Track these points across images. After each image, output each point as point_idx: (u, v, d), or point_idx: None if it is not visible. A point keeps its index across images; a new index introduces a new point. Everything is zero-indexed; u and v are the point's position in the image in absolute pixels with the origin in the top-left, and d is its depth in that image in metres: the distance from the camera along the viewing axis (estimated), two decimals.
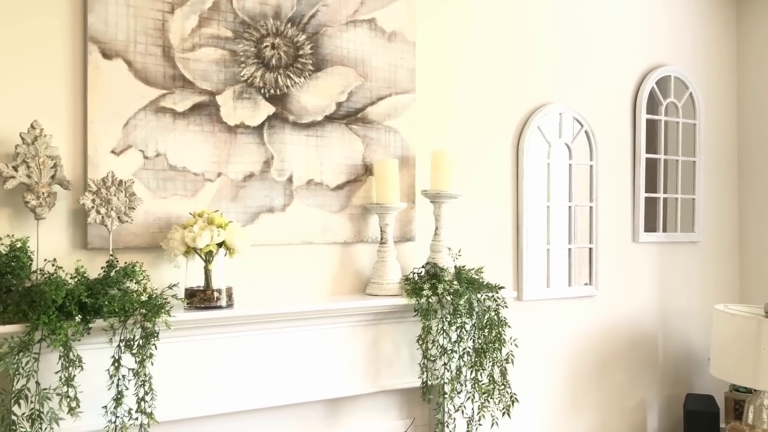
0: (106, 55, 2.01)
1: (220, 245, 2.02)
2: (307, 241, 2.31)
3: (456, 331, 2.30)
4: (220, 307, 2.01)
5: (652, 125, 3.15)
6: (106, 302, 1.77)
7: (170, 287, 1.94)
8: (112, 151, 2.02)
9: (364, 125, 2.42)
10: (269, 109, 2.26)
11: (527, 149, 2.78)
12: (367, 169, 2.43)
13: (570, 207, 2.92)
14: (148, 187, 2.07)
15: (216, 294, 2.01)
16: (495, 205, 2.75)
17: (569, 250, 2.92)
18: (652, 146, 3.15)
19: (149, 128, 2.07)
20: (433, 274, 2.37)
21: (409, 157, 2.51)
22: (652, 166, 3.16)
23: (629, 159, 3.11)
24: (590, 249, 2.97)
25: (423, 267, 2.42)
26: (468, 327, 2.33)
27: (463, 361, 2.31)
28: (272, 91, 2.26)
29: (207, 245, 1.98)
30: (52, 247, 1.95)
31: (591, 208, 2.97)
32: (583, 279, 2.97)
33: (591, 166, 2.97)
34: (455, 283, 2.33)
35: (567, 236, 2.92)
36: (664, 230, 3.20)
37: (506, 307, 2.40)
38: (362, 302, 2.22)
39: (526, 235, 2.78)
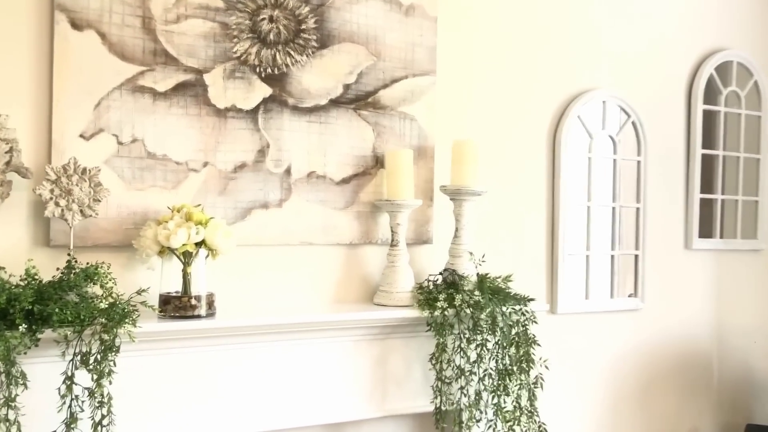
0: (76, 25, 1.76)
1: (199, 245, 1.74)
2: (307, 242, 2.03)
3: (476, 349, 1.99)
4: (198, 317, 1.74)
5: (709, 117, 2.78)
6: (57, 309, 1.51)
7: (139, 292, 1.67)
8: (81, 135, 1.77)
9: (375, 111, 2.13)
10: (265, 90, 1.98)
11: (565, 141, 2.45)
12: (378, 161, 2.13)
13: (614, 208, 2.57)
14: (122, 176, 1.81)
15: (194, 301, 1.73)
16: (526, 205, 2.42)
17: (612, 257, 2.57)
18: (709, 141, 2.78)
19: (125, 110, 1.81)
20: (451, 282, 2.06)
21: (426, 147, 2.20)
22: (708, 163, 2.78)
23: (682, 155, 2.74)
24: (636, 256, 2.62)
25: (440, 274, 2.11)
26: (490, 345, 2.01)
27: (483, 384, 1.99)
28: (269, 70, 1.98)
29: (183, 245, 1.71)
30: (10, 244, 1.70)
31: (638, 209, 2.62)
32: (627, 290, 2.62)
33: (638, 162, 2.62)
34: (476, 293, 2.02)
35: (610, 241, 2.57)
36: (722, 236, 2.82)
37: (536, 322, 2.07)
38: (368, 314, 1.92)
39: (563, 240, 2.45)
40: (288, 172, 2.00)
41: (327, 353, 1.93)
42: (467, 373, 1.96)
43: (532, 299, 2.10)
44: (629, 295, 2.62)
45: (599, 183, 2.54)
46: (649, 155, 2.63)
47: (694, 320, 2.78)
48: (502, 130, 2.37)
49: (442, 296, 1.96)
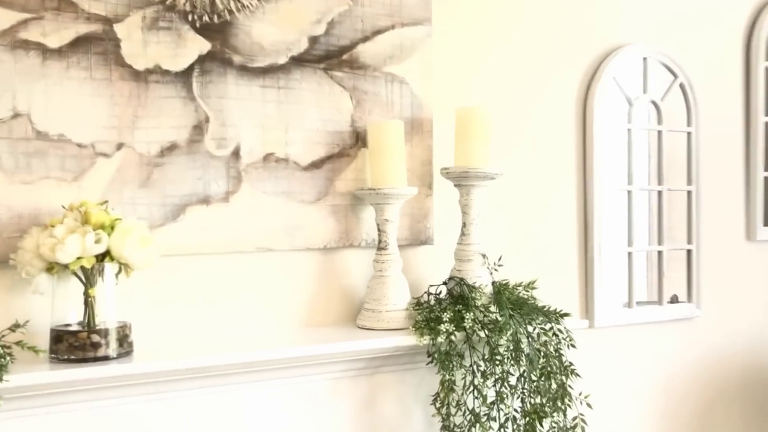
0: None
1: (103, 258, 1.24)
2: (265, 247, 1.52)
3: (494, 386, 1.48)
4: (103, 359, 1.23)
5: None
6: None
7: (14, 328, 1.17)
8: None
9: (353, 72, 1.61)
10: (201, 45, 1.47)
11: (598, 109, 1.93)
12: (359, 138, 1.62)
13: (660, 192, 2.06)
14: (0, 165, 1.31)
15: (96, 337, 1.23)
16: (552, 191, 1.91)
17: (659, 253, 2.05)
18: None
19: (1, 73, 1.31)
20: (458, 295, 1.55)
21: (422, 119, 1.69)
22: None
23: (741, 124, 2.22)
24: (688, 251, 2.10)
25: (444, 284, 1.61)
26: (513, 379, 1.50)
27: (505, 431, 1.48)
28: (206, 18, 1.48)
29: (78, 258, 1.20)
30: None
31: (689, 193, 2.10)
32: (678, 294, 2.10)
33: (689, 133, 2.10)
34: (493, 309, 1.51)
35: (656, 234, 2.06)
36: None
37: (573, 345, 1.56)
38: (344, 344, 1.41)
39: (598, 234, 1.93)
40: (236, 154, 1.50)
41: (294, 398, 1.42)
42: (483, 419, 1.45)
43: (565, 314, 1.59)
44: (681, 301, 2.10)
45: (641, 161, 2.03)
46: (701, 125, 2.11)
47: (761, 328, 2.26)
48: (519, 95, 1.85)
49: (446, 315, 1.46)
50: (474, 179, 1.57)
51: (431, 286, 1.61)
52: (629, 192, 2.00)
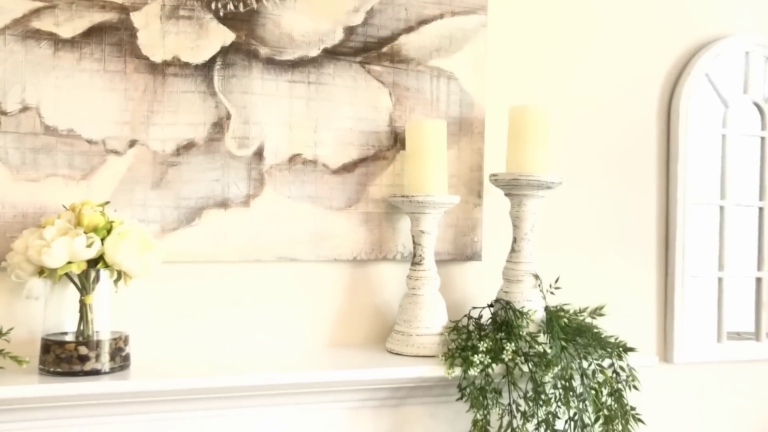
0: None
1: (96, 263, 1.14)
2: (288, 257, 1.38)
3: (537, 429, 1.27)
4: (93, 373, 1.13)
5: None
6: None
7: None
8: None
9: (393, 66, 1.45)
10: (225, 36, 1.35)
11: (686, 111, 1.67)
12: (398, 140, 1.45)
13: (761, 209, 1.76)
14: (6, 161, 1.24)
15: (84, 350, 1.13)
16: (626, 204, 1.66)
17: (757, 280, 1.76)
18: None
19: (11, 64, 1.25)
20: (503, 321, 1.35)
21: (473, 120, 1.50)
22: None
23: None
24: None
25: (489, 306, 1.41)
26: (560, 423, 1.28)
27: None
28: (231, 6, 1.36)
29: (68, 263, 1.11)
30: None
31: None
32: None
33: None
34: (541, 338, 1.31)
35: (755, 257, 1.77)
36: None
37: (635, 387, 1.33)
38: (363, 371, 1.24)
39: (681, 255, 1.67)
40: (259, 155, 1.37)
41: (307, 427, 1.27)
42: None
43: (629, 348, 1.36)
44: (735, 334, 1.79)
45: (737, 173, 1.74)
46: None
47: None
48: (589, 94, 1.62)
49: (484, 344, 1.26)
50: (526, 188, 1.37)
51: (473, 308, 1.42)
52: (722, 207, 1.73)
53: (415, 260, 1.38)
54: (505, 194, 1.42)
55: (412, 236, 1.38)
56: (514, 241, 1.41)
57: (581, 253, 1.62)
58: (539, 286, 1.40)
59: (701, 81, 1.68)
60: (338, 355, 1.35)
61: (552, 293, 1.43)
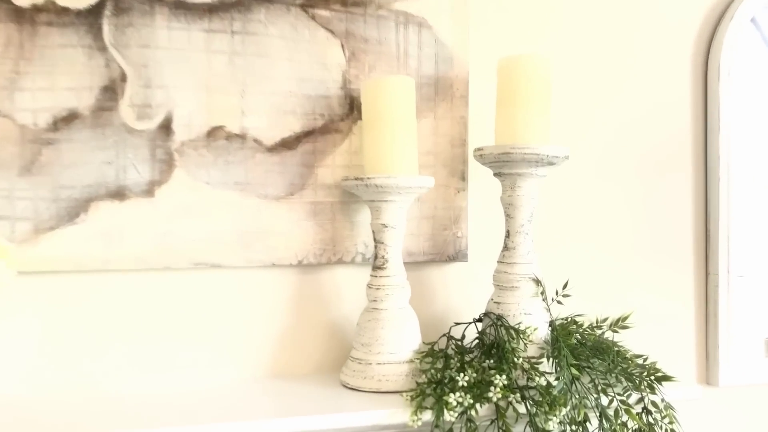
0: None
1: None
2: (209, 263, 1.05)
3: None
4: None
5: None
6: None
7: None
8: None
9: (346, 10, 1.11)
10: None
11: (727, 67, 1.32)
12: (355, 106, 1.12)
13: None
14: None
15: None
16: (653, 186, 1.32)
17: None
18: None
19: None
20: (492, 343, 1.01)
21: (453, 80, 1.16)
22: None
23: None
24: None
25: (477, 321, 1.07)
26: None
27: None
28: None
29: None
30: None
31: None
32: None
33: None
34: (544, 365, 0.97)
35: None
36: None
37: (673, 431, 0.98)
38: (295, 421, 0.91)
39: (725, 252, 1.32)
40: (166, 128, 1.04)
41: None
42: None
43: (665, 377, 1.01)
44: None
45: None
46: None
47: None
48: (603, 46, 1.27)
49: (464, 377, 0.92)
50: (521, 164, 1.02)
51: (455, 324, 1.08)
52: None
53: (376, 263, 1.04)
54: (495, 174, 1.07)
55: (373, 232, 1.05)
56: (507, 235, 1.07)
57: (597, 250, 1.27)
58: (542, 293, 1.05)
59: (746, 28, 1.33)
60: (276, 392, 1.01)
61: (559, 302, 1.09)
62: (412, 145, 1.05)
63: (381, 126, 1.02)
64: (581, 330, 1.12)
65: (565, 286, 1.09)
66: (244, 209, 1.06)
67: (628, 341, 1.15)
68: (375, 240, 1.04)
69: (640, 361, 1.08)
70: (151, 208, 1.03)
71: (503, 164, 1.04)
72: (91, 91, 1.01)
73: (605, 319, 1.16)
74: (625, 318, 1.15)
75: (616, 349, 1.11)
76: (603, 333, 1.15)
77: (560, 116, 1.20)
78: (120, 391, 0.99)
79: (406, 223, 1.05)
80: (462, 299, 1.17)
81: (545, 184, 1.18)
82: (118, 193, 1.02)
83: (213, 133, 1.05)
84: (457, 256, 1.17)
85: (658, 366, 1.06)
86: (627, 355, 1.11)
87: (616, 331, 1.15)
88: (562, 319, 1.13)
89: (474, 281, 1.16)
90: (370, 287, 1.03)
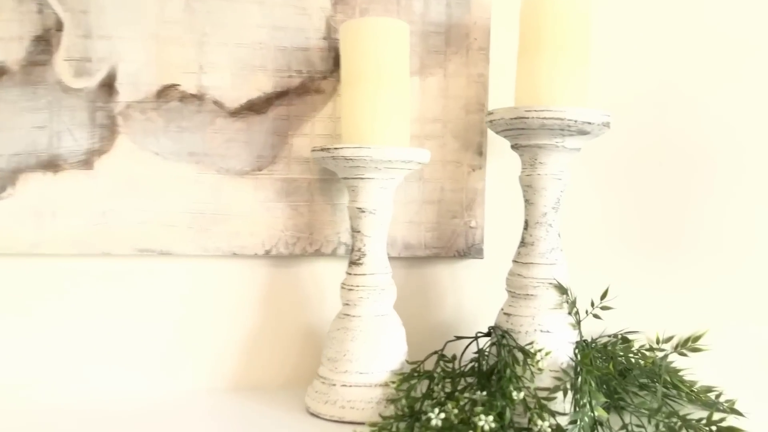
0: None
1: None
2: (159, 250, 0.87)
3: None
4: None
5: None
6: None
7: None
8: None
9: None
10: None
11: None
12: (337, 59, 0.90)
13: None
14: None
15: None
16: (733, 163, 1.01)
17: None
18: None
19: None
20: (492, 368, 0.77)
21: (468, 27, 0.92)
22: None
23: None
24: None
25: (480, 337, 0.83)
26: None
27: None
28: None
29: None
30: None
31: None
32: None
33: None
34: (558, 403, 0.72)
35: None
36: None
37: None
38: None
39: None
40: (109, 87, 0.86)
41: None
42: None
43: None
44: None
45: None
46: None
47: None
48: None
49: (438, 413, 0.69)
50: (540, 133, 0.77)
51: (455, 339, 0.84)
52: None
53: (353, 258, 0.82)
54: (512, 146, 0.82)
55: (350, 218, 0.83)
56: (526, 226, 0.82)
57: (656, 249, 0.99)
58: (568, 304, 0.80)
59: None
60: (225, 412, 0.82)
61: (596, 317, 0.83)
62: (402, 108, 0.82)
63: (361, 82, 0.80)
64: (629, 353, 0.86)
65: (604, 295, 0.83)
66: (200, 186, 0.88)
67: (698, 369, 0.88)
68: (351, 228, 0.82)
69: (713, 394, 0.82)
70: (90, 183, 0.86)
71: (519, 133, 0.79)
72: (20, 42, 0.85)
73: (669, 338, 0.88)
74: (698, 337, 0.87)
75: (677, 378, 0.85)
76: (665, 356, 0.88)
77: (609, 68, 0.93)
78: (40, 401, 0.84)
79: (392, 208, 0.82)
80: (475, 306, 0.93)
81: (582, 161, 0.92)
82: (51, 164, 0.86)
83: (164, 93, 0.87)
84: (470, 251, 0.93)
85: (737, 406, 0.79)
86: (694, 387, 0.85)
87: (684, 354, 0.87)
88: (608, 336, 0.87)
89: (491, 283, 0.92)
90: (343, 288, 0.82)
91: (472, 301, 0.94)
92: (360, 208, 0.80)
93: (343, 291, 0.82)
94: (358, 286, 0.80)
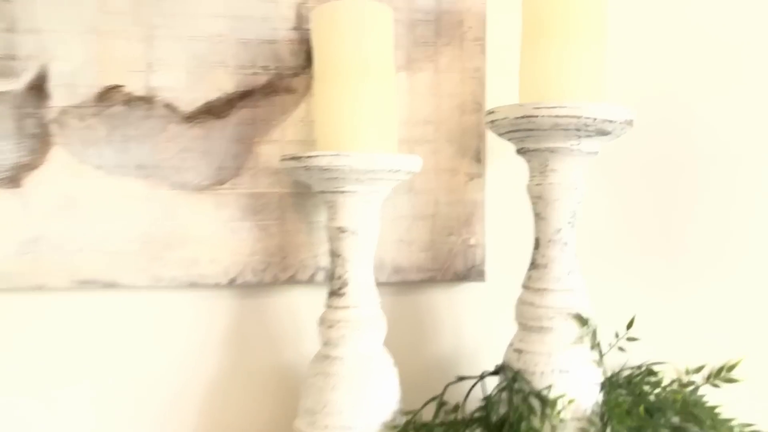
0: None
1: None
2: (102, 281, 0.73)
3: None
4: None
5: None
6: None
7: None
8: None
9: None
10: None
11: None
12: (310, 53, 0.77)
13: None
14: None
15: None
16: None
17: None
18: None
19: None
20: (502, 418, 0.64)
21: (462, 14, 0.79)
22: None
23: None
24: None
25: (486, 377, 0.70)
26: None
27: None
28: None
29: None
30: None
31: None
32: None
33: None
34: None
35: None
36: None
37: None
38: None
39: None
40: (38, 89, 0.73)
41: None
42: None
43: None
44: None
45: None
46: None
47: None
48: None
49: None
50: (552, 134, 0.64)
51: (457, 380, 0.71)
52: None
53: (332, 288, 0.69)
54: (518, 151, 0.70)
55: (328, 240, 0.70)
56: (537, 245, 0.69)
57: (685, 268, 0.87)
58: (590, 338, 0.67)
59: None
60: None
61: (621, 349, 0.70)
62: (388, 108, 0.69)
63: (338, 77, 0.67)
64: (657, 387, 0.73)
65: (630, 325, 0.71)
66: (151, 205, 0.74)
67: (735, 403, 0.75)
68: (330, 251, 0.69)
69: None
70: (17, 204, 0.72)
71: (526, 134, 0.66)
72: None
73: (699, 368, 0.76)
74: (732, 367, 0.75)
75: (717, 415, 0.72)
76: (696, 389, 0.75)
77: (628, 57, 0.80)
78: None
79: (378, 226, 0.69)
80: (478, 338, 0.80)
81: (599, 168, 0.79)
82: None
83: (107, 95, 0.74)
84: (470, 273, 0.80)
85: None
86: (733, 426, 0.72)
87: (717, 386, 0.75)
88: (631, 368, 0.75)
89: (495, 311, 0.79)
90: (321, 324, 0.69)
91: (473, 331, 0.81)
92: (340, 228, 0.67)
93: (321, 328, 0.68)
94: (339, 321, 0.67)
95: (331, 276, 0.69)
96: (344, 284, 0.68)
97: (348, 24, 0.67)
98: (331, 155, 0.64)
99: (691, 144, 0.86)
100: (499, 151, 0.79)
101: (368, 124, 0.67)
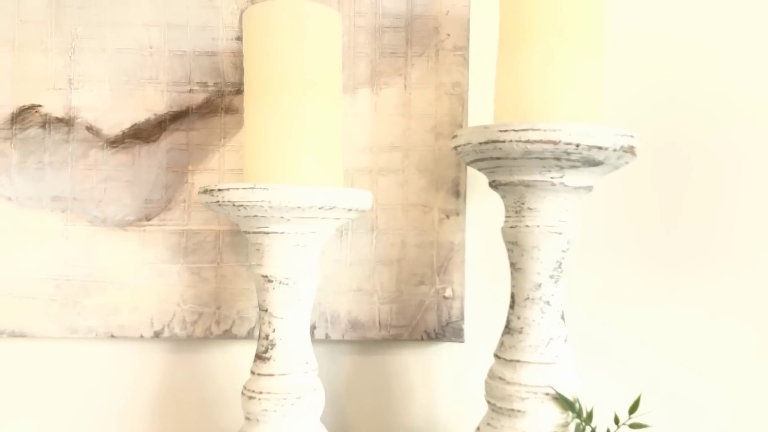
0: None
1: None
2: (9, 331, 0.64)
3: None
4: None
5: None
6: None
7: None
8: None
9: None
10: None
11: None
12: None
13: None
14: None
15: None
16: None
17: None
18: None
19: None
20: None
21: (437, 18, 0.66)
22: None
23: None
24: None
25: None
26: None
27: None
28: None
29: None
30: None
31: None
32: None
33: None
34: None
35: None
36: None
37: None
38: None
39: None
40: None
41: None
42: None
43: None
44: None
45: None
46: None
47: None
48: None
49: None
50: (525, 164, 0.50)
51: None
52: None
53: (258, 350, 0.56)
54: (490, 184, 0.56)
55: (256, 290, 0.57)
56: (512, 304, 0.55)
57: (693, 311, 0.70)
58: (579, 424, 0.52)
59: None
60: None
61: None
62: (330, 131, 0.56)
63: (268, 93, 0.55)
64: None
65: (634, 407, 0.55)
66: (67, 242, 0.64)
67: None
68: (258, 304, 0.57)
69: None
70: None
71: (495, 164, 0.52)
72: None
73: None
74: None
75: None
76: None
77: (631, 67, 0.65)
78: None
79: (316, 275, 0.57)
80: (455, 409, 0.66)
81: (594, 205, 0.64)
82: None
83: (21, 117, 0.64)
84: (445, 332, 0.65)
85: None
86: None
87: None
88: None
89: (476, 377, 0.65)
90: (243, 393, 0.56)
91: (449, 401, 0.66)
92: (265, 276, 0.55)
93: (243, 399, 0.56)
94: (261, 393, 0.54)
95: (258, 335, 0.57)
96: (271, 346, 0.55)
97: (283, 28, 0.56)
98: (245, 188, 0.52)
99: (693, 156, 0.70)
100: (483, 182, 0.66)
101: (303, 151, 0.55)
